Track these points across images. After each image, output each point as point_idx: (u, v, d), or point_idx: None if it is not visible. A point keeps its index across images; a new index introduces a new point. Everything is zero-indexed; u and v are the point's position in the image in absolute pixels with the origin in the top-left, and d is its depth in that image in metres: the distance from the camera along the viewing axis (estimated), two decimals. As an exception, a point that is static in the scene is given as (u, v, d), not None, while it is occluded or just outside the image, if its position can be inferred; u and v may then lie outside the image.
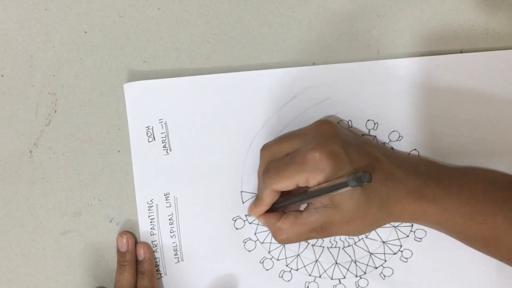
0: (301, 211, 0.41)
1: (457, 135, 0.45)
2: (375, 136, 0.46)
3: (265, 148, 0.43)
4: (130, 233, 0.47)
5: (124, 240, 0.46)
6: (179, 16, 0.46)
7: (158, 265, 0.47)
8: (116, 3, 0.46)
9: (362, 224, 0.40)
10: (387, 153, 0.43)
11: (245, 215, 0.47)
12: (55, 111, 0.47)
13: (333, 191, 0.38)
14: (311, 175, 0.39)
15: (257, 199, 0.43)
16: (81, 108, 0.47)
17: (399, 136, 0.46)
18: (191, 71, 0.46)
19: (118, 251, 0.46)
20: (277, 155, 0.41)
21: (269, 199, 0.42)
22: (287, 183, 0.40)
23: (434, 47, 0.45)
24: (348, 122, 0.46)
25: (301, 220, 0.41)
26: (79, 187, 0.47)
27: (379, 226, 0.42)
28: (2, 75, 0.47)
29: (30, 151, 0.47)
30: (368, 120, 0.46)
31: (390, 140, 0.46)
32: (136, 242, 0.47)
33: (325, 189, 0.38)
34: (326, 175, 0.38)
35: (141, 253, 0.46)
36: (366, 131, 0.46)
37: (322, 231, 0.41)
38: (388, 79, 0.45)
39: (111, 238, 0.47)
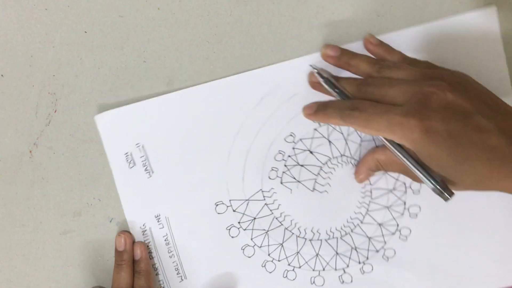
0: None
1: None
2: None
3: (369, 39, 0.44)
4: (128, 233, 0.47)
5: (122, 240, 0.46)
6: (179, 16, 0.46)
7: (163, 287, 0.48)
8: (116, 3, 0.46)
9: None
10: (499, 115, 0.38)
11: (310, 65, 0.45)
12: (55, 111, 0.47)
13: (422, 178, 0.38)
14: (397, 139, 0.38)
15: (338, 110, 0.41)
16: (81, 108, 0.47)
17: None
18: (191, 71, 0.46)
19: (116, 251, 0.46)
20: (374, 69, 0.42)
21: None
22: (371, 132, 0.39)
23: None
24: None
25: None
26: (79, 187, 0.47)
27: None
28: (2, 75, 0.47)
29: (30, 151, 0.47)
30: None
31: None
32: (134, 242, 0.47)
33: (417, 168, 0.39)
34: (414, 143, 0.37)
35: (138, 252, 0.46)
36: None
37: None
38: None
39: (111, 238, 0.47)
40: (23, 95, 0.47)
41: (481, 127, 0.37)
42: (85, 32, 0.46)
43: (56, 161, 0.47)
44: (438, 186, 0.38)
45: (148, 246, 0.47)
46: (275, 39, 0.46)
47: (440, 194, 0.38)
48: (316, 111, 0.44)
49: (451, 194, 0.38)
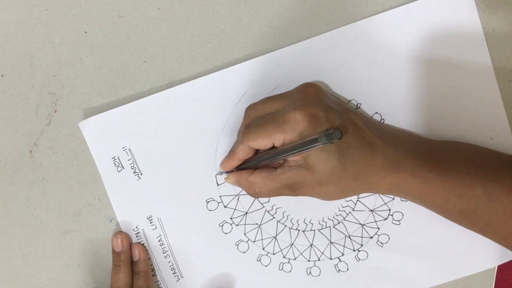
0: (275, 168, 0.42)
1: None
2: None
3: (250, 108, 0.43)
4: (125, 233, 0.47)
5: (119, 241, 0.46)
6: (179, 16, 0.46)
7: (161, 287, 0.48)
8: (116, 3, 0.46)
9: (334, 189, 0.41)
10: (369, 123, 0.42)
11: (216, 175, 0.46)
12: (55, 111, 0.47)
13: (304, 148, 0.37)
14: (288, 135, 0.39)
15: (230, 152, 0.44)
16: (81, 108, 0.47)
17: (357, 103, 0.46)
18: (191, 71, 0.46)
19: (113, 252, 0.46)
20: (260, 114, 0.42)
21: (242, 154, 0.42)
22: (264, 141, 0.40)
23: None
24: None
25: (274, 175, 0.41)
26: (79, 187, 0.47)
27: (354, 194, 0.42)
28: (2, 75, 0.47)
29: (30, 151, 0.47)
30: None
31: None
32: (131, 243, 0.47)
33: (297, 146, 0.38)
34: (302, 136, 0.38)
35: (136, 253, 0.46)
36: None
37: (293, 189, 0.41)
38: (331, 51, 0.45)
39: (111, 238, 0.47)
40: (23, 95, 0.47)
41: (356, 123, 0.40)
42: (85, 32, 0.46)
43: (56, 161, 0.47)
44: (325, 138, 0.35)
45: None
46: (274, 39, 0.46)
47: (330, 139, 0.35)
48: (225, 161, 0.44)
49: (339, 133, 0.35)
